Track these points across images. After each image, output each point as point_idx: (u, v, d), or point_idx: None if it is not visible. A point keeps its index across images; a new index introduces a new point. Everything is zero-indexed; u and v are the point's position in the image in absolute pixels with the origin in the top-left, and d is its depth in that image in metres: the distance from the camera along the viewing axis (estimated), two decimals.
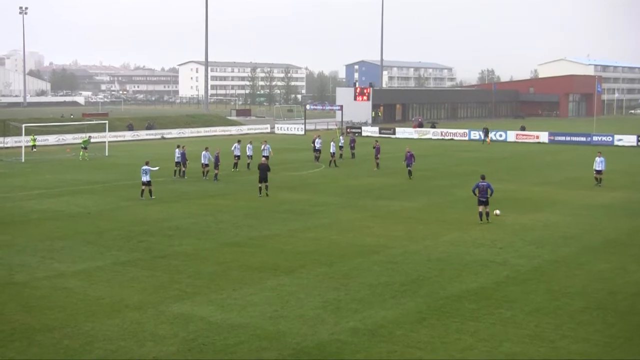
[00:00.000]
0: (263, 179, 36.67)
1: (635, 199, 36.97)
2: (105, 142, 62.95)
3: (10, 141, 67.35)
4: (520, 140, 78.39)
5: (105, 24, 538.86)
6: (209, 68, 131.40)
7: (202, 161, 43.57)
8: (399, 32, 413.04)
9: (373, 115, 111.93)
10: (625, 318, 17.69)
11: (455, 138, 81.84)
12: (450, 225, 29.26)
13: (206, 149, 44.46)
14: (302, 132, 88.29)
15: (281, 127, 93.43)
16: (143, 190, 35.74)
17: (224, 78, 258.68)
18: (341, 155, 55.21)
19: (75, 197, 36.54)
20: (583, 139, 76.25)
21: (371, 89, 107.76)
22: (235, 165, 48.18)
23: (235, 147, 48.70)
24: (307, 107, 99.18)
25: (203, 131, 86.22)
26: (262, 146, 47.74)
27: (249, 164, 48.17)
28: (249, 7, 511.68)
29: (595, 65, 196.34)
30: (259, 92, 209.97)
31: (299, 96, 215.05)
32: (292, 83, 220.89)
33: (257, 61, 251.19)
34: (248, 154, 49.20)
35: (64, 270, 21.88)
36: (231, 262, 22.97)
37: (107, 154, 59.62)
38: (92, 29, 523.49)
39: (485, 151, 66.46)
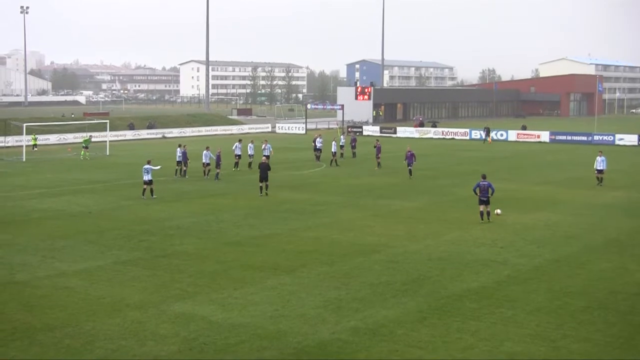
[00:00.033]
0: (264, 178, 36.69)
1: (637, 198, 36.95)
2: (106, 141, 63.05)
3: (11, 140, 67.40)
4: (521, 140, 78.36)
5: (106, 24, 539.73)
6: (210, 67, 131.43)
7: (203, 160, 43.62)
8: (400, 31, 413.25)
9: (374, 114, 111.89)
10: (626, 318, 17.68)
11: (456, 137, 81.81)
12: (451, 224, 29.26)
13: (207, 148, 44.52)
14: (303, 132, 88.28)
15: (282, 127, 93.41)
16: (145, 189, 35.75)
17: (225, 77, 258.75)
18: (342, 154, 55.21)
19: (76, 197, 36.56)
20: (584, 138, 76.23)
21: (372, 88, 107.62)
22: (236, 164, 48.18)
23: (236, 147, 48.71)
24: (308, 106, 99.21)
25: (204, 130, 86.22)
26: (263, 145, 47.77)
27: (250, 163, 48.17)
28: (249, 7, 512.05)
29: (597, 65, 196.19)
30: (260, 92, 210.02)
31: (300, 95, 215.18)
32: (293, 82, 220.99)
33: (258, 60, 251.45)
34: (249, 153, 49.20)
35: (65, 270, 21.89)
36: (232, 262, 22.97)
37: (108, 154, 59.64)
38: (93, 28, 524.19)
39: (486, 150, 66.44)
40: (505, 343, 15.86)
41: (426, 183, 42.27)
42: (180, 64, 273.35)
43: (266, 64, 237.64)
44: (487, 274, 21.53)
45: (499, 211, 30.70)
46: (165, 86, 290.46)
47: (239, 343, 15.81)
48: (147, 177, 35.49)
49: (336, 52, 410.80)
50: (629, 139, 73.31)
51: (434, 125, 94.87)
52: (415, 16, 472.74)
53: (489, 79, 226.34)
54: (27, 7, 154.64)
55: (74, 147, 64.81)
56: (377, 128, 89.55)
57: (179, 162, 44.37)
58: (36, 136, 65.19)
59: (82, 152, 56.84)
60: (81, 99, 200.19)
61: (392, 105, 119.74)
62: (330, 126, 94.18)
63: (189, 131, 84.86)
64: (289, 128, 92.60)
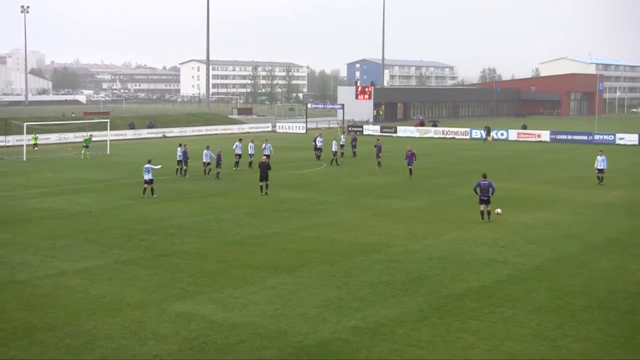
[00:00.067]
0: (264, 177, 36.70)
1: (637, 198, 36.93)
2: (106, 140, 63.09)
3: (11, 140, 67.42)
4: (521, 139, 78.34)
5: (106, 23, 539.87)
6: (211, 67, 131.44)
7: (204, 160, 43.63)
8: (401, 31, 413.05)
9: (374, 113, 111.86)
10: (626, 317, 17.68)
11: (457, 137, 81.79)
12: (452, 224, 29.25)
13: (207, 147, 44.53)
14: (304, 131, 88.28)
15: (282, 126, 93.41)
16: (145, 188, 35.75)
17: (226, 77, 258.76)
18: (342, 153, 55.20)
19: (77, 196, 36.56)
20: (584, 137, 76.21)
21: (372, 87, 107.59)
22: (237, 164, 48.18)
23: (236, 146, 48.71)
24: (309, 105, 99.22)
25: (204, 130, 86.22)
26: (263, 145, 47.79)
27: (250, 162, 48.17)
28: (250, 6, 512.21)
29: (597, 64, 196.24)
30: (260, 91, 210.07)
31: (301, 95, 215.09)
32: (294, 82, 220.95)
33: (258, 60, 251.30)
34: (250, 152, 49.18)
35: (66, 269, 21.89)
36: (232, 261, 22.97)
37: (108, 153, 59.65)
38: (93, 27, 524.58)
39: (487, 150, 66.43)
40: (505, 342, 15.86)
41: (427, 182, 42.26)
42: (181, 64, 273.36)
43: (267, 63, 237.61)
44: (487, 274, 21.53)
45: (499, 210, 30.69)
46: (166, 85, 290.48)
47: (240, 342, 15.81)
48: (147, 177, 35.50)
49: (336, 51, 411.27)
50: (630, 139, 73.25)
51: (435, 125, 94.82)
52: (415, 15, 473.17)
53: (489, 79, 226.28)
54: (28, 7, 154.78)
55: (74, 146, 64.82)
56: (377, 127, 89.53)
57: (179, 162, 44.39)
58: (37, 135, 65.20)
59: (83, 151, 56.85)
60: (82, 98, 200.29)
61: (393, 105, 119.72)
62: (331, 125, 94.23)
63: (189, 130, 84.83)
64: (289, 127, 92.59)
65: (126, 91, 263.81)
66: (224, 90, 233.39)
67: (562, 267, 22.40)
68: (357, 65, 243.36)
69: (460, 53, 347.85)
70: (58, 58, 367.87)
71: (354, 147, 57.34)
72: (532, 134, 79.43)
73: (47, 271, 21.65)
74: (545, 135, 78.22)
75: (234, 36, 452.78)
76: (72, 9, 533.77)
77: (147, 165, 35.63)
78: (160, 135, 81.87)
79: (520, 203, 34.40)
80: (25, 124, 62.54)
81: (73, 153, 59.80)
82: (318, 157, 53.45)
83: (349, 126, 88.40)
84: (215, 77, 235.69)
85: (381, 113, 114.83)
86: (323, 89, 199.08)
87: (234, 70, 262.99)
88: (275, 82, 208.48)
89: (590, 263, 22.88)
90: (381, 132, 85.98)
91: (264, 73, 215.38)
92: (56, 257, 23.34)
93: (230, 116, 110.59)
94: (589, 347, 15.67)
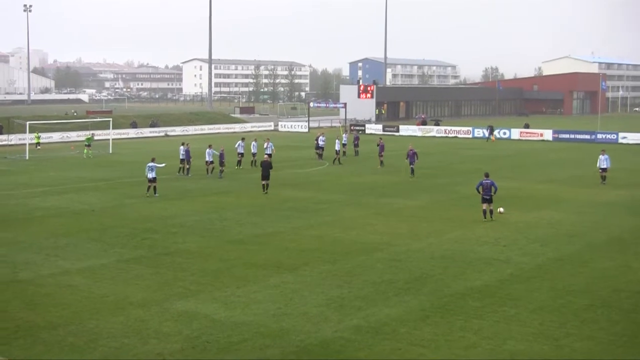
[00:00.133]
0: (265, 176, 36.71)
1: None
2: (109, 139, 63.12)
3: (14, 138, 67.54)
4: (524, 138, 78.26)
5: (109, 22, 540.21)
6: (213, 66, 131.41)
7: (207, 159, 43.67)
8: (403, 29, 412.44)
9: (377, 112, 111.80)
10: (629, 316, 17.66)
11: (459, 136, 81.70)
12: (454, 223, 29.24)
13: (210, 146, 44.56)
14: (306, 130, 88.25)
15: (285, 125, 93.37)
16: (149, 186, 35.78)
17: (228, 76, 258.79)
18: (344, 152, 55.20)
19: (79, 195, 36.60)
20: (587, 136, 76.10)
21: (375, 86, 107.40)
22: (239, 162, 48.19)
23: (239, 145, 48.72)
24: (311, 104, 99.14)
25: (207, 129, 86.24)
26: (265, 144, 47.81)
27: (253, 161, 48.18)
28: (252, 6, 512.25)
29: (600, 63, 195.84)
30: (262, 90, 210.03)
31: (303, 94, 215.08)
32: (296, 81, 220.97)
33: (260, 59, 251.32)
34: (252, 151, 49.18)
35: (68, 268, 21.92)
36: (235, 260, 22.99)
37: (110, 152, 59.69)
38: (96, 27, 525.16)
39: (489, 149, 66.38)
40: (508, 341, 15.85)
41: (429, 181, 42.24)
42: (183, 63, 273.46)
43: (269, 62, 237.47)
44: (490, 273, 21.52)
45: (501, 209, 30.67)
46: (168, 84, 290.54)
47: (242, 341, 15.82)
48: (151, 175, 35.53)
49: (339, 50, 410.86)
50: (632, 138, 73.12)
51: (437, 124, 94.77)
52: (418, 14, 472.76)
53: (491, 78, 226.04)
54: (31, 6, 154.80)
55: (76, 145, 64.86)
56: (379, 126, 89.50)
57: (182, 160, 44.43)
58: (39, 134, 65.27)
59: (85, 150, 56.89)
60: (84, 97, 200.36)
61: (395, 104, 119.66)
62: (333, 124, 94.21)
63: (191, 129, 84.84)
64: (291, 126, 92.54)
65: (128, 90, 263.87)
66: (226, 89, 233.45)
67: (564, 266, 22.38)
68: (360, 64, 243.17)
69: (463, 52, 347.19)
70: (61, 57, 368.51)
71: (356, 145, 57.35)
72: (535, 133, 79.35)
73: (50, 270, 21.68)
74: (547, 135, 78.12)
75: (237, 35, 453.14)
76: (75, 8, 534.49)
77: (151, 164, 35.67)
78: (163, 134, 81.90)
79: (523, 202, 34.37)
80: (27, 122, 62.61)
81: (75, 152, 59.84)
82: (320, 155, 53.44)
83: (351, 125, 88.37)
84: (218, 76, 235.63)
85: (383, 112, 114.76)
86: (325, 88, 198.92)
87: (236, 69, 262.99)
88: (277, 81, 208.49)
89: (593, 262, 22.86)
90: (383, 131, 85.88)
91: (267, 72, 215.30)
92: (59, 256, 23.36)
93: (233, 115, 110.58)
94: (592, 346, 15.65)
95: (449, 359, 14.96)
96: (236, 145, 48.94)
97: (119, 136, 72.85)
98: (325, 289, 19.66)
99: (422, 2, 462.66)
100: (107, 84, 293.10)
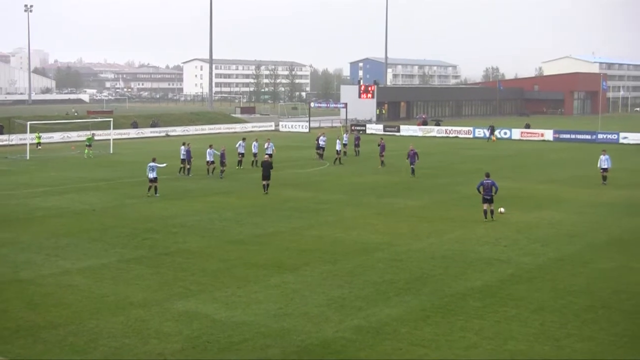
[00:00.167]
0: (266, 176, 36.72)
1: None
2: (109, 139, 63.13)
3: (15, 139, 67.58)
4: (525, 138, 78.24)
5: (110, 22, 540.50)
6: (214, 66, 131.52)
7: (207, 159, 43.67)
8: (404, 30, 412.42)
9: (377, 112, 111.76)
10: (630, 317, 17.65)
11: (460, 136, 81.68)
12: (455, 223, 29.23)
13: (210, 146, 44.56)
14: (307, 130, 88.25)
15: (285, 125, 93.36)
16: (150, 186, 35.79)
17: (229, 76, 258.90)
18: (345, 152, 55.19)
19: (80, 195, 36.61)
20: (588, 137, 76.06)
21: (375, 86, 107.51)
22: (240, 162, 48.19)
23: (239, 145, 48.72)
24: (312, 104, 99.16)
25: (207, 129, 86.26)
26: (266, 144, 47.82)
27: (253, 161, 48.18)
28: (253, 6, 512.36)
29: (601, 63, 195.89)
30: (263, 90, 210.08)
31: (304, 94, 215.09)
32: (297, 81, 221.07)
33: (261, 59, 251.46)
34: (253, 151, 49.18)
35: (69, 268, 21.92)
36: (235, 260, 22.98)
37: (111, 152, 59.71)
38: (96, 27, 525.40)
39: (490, 149, 66.35)
40: (509, 342, 15.84)
41: (430, 181, 42.23)
42: (184, 63, 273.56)
43: (269, 62, 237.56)
44: (490, 273, 21.52)
45: (502, 210, 30.65)
46: (169, 84, 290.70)
47: (243, 341, 15.82)
48: (152, 175, 35.54)
49: (339, 50, 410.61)
50: (633, 138, 73.08)
51: (438, 124, 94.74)
52: (418, 14, 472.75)
53: (492, 78, 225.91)
54: (31, 6, 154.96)
55: (77, 145, 64.87)
56: (380, 126, 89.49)
57: (183, 160, 44.43)
58: (40, 134, 65.28)
59: (86, 150, 56.91)
60: (85, 97, 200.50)
61: (396, 104, 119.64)
62: (334, 124, 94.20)
63: (192, 129, 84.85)
64: (292, 126, 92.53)
65: (129, 90, 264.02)
66: (227, 89, 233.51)
67: (565, 266, 22.37)
68: (360, 64, 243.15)
69: (463, 52, 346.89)
70: (61, 57, 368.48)
71: (357, 145, 57.36)
72: (536, 133, 79.33)
73: (51, 270, 21.69)
74: (548, 135, 78.10)
75: (237, 35, 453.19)
76: (76, 8, 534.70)
77: (152, 164, 35.67)
78: (163, 134, 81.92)
79: (524, 202, 34.36)
80: (28, 122, 62.68)
81: (76, 152, 59.86)
82: (321, 156, 53.43)
83: (352, 125, 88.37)
84: (218, 76, 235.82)
85: (384, 112, 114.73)
86: (326, 88, 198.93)
87: (237, 69, 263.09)
88: (278, 81, 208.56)
89: (594, 262, 22.85)
90: (384, 131, 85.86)
91: (267, 72, 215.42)
92: (59, 256, 23.37)
93: (233, 115, 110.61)
94: (592, 346, 15.64)
95: (449, 359, 14.96)
96: (237, 146, 48.93)
97: (119, 136, 72.87)
98: (326, 289, 19.66)
99: (422, 2, 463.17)
100: (107, 84, 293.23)
